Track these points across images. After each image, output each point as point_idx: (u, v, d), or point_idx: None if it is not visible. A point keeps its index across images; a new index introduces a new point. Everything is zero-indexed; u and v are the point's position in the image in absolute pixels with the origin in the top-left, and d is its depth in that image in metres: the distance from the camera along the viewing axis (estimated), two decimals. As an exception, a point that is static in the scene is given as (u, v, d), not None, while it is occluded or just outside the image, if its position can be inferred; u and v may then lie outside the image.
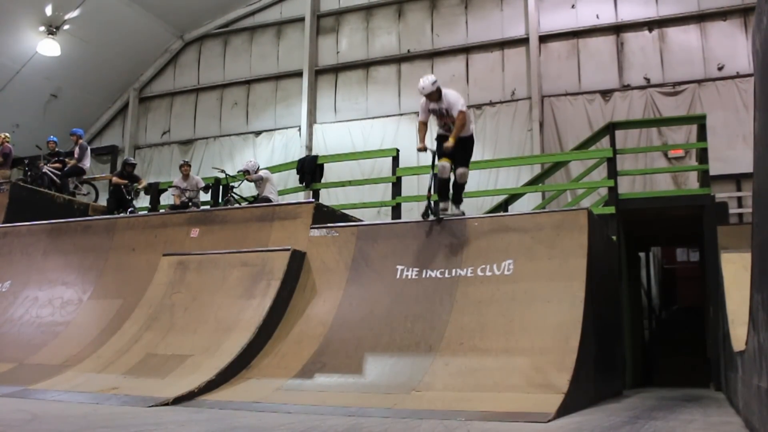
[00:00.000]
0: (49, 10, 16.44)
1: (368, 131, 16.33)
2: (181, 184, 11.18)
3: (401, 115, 16.08)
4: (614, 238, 9.01)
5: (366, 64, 16.93)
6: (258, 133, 17.73)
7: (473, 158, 7.59)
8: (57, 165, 12.33)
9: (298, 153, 16.20)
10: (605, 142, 10.89)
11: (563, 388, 5.07)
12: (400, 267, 6.80)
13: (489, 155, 14.39)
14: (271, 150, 17.27)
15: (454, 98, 7.03)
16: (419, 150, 7.16)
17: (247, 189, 12.15)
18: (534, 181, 11.56)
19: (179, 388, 5.61)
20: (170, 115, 19.12)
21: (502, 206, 11.11)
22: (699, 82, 13.83)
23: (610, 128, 10.56)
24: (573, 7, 15.21)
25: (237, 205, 10.84)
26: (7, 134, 12.46)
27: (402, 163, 11.28)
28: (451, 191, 7.27)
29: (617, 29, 14.79)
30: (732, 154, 12.66)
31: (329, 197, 13.23)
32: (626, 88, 14.43)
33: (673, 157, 13.54)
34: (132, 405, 5.22)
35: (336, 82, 17.19)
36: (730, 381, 6.40)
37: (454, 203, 7.28)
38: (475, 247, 6.64)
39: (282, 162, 14.75)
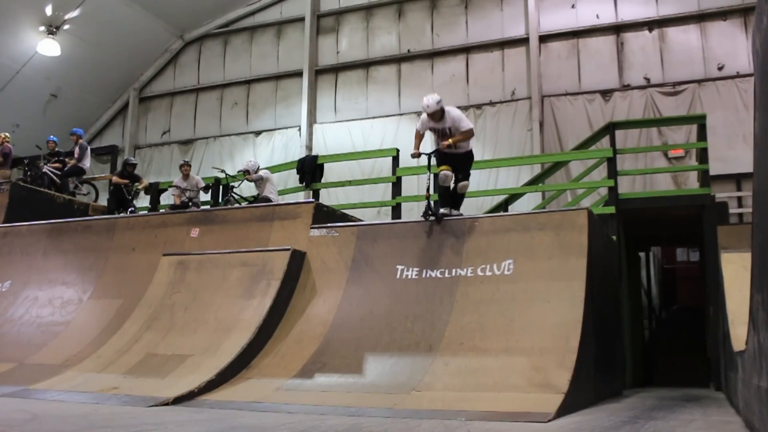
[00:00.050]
0: (49, 10, 16.44)
1: (368, 131, 16.33)
2: (181, 184, 11.18)
3: (401, 115, 16.08)
4: (614, 238, 9.02)
5: (366, 64, 16.93)
6: (258, 133, 17.73)
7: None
8: (57, 165, 12.32)
9: (298, 153, 16.20)
10: (605, 142, 10.90)
11: (563, 387, 5.07)
12: (400, 267, 6.80)
13: (489, 155, 14.39)
14: (271, 150, 17.27)
15: (458, 116, 7.09)
16: (413, 156, 7.29)
17: (247, 189, 12.14)
18: (534, 181, 11.56)
19: (179, 388, 5.62)
20: (170, 115, 19.11)
21: (502, 206, 11.12)
22: (699, 82, 13.83)
23: (610, 128, 10.57)
24: (573, 6, 15.21)
25: (237, 205, 10.83)
26: (7, 134, 12.45)
27: (402, 163, 11.27)
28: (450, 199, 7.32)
29: (617, 29, 14.79)
30: (732, 154, 12.65)
31: (329, 197, 13.24)
32: (626, 88, 14.43)
33: (673, 157, 13.53)
34: (132, 405, 5.22)
35: (336, 82, 17.19)
36: (730, 381, 6.40)
37: (454, 208, 7.33)
38: (475, 247, 6.64)
39: (282, 162, 14.74)
